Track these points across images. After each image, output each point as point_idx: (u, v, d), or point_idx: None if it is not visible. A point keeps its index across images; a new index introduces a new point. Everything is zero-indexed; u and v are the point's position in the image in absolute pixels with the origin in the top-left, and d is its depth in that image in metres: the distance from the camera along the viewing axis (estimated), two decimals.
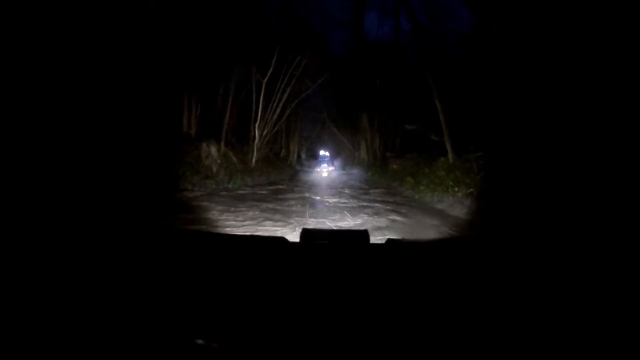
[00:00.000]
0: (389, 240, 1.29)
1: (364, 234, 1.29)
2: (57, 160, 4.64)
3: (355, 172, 22.09)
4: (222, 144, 11.95)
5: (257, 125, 13.88)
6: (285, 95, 15.49)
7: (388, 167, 16.41)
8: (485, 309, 0.76)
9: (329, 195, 10.34)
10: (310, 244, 1.31)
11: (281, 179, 15.65)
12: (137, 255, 1.05)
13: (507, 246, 1.38)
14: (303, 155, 33.20)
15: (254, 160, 13.65)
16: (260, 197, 9.46)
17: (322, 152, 30.50)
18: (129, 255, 1.03)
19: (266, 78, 13.73)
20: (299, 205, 8.20)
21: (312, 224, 6.22)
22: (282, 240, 1.23)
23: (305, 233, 1.35)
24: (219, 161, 11.32)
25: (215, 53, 12.03)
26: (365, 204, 8.87)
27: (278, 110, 15.63)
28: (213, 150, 11.28)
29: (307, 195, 10.31)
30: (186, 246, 1.21)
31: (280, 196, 9.85)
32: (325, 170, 20.90)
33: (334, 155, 32.30)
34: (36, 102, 4.32)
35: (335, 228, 5.59)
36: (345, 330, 0.69)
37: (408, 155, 15.93)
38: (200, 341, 0.61)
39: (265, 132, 15.14)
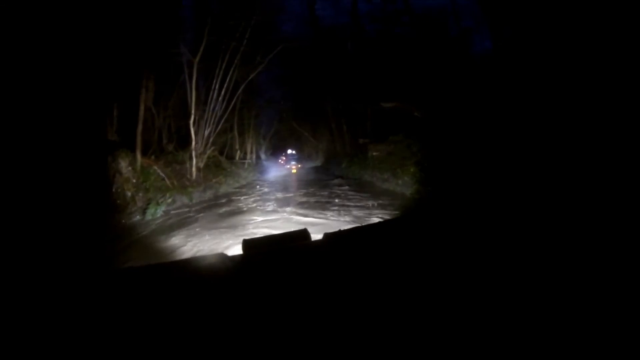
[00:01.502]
0: (325, 234, 1.35)
1: (303, 234, 1.39)
2: None
3: (324, 165, 18.73)
4: (138, 154, 7.73)
5: (191, 121, 9.75)
6: (230, 80, 11.45)
7: (367, 155, 12.98)
8: (421, 286, 0.81)
9: (317, 210, 6.68)
10: (251, 254, 1.30)
11: (237, 189, 11.74)
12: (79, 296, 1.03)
13: (435, 225, 1.45)
14: (263, 156, 29.71)
15: (193, 170, 9.58)
16: (196, 233, 5.55)
17: (289, 151, 28.70)
18: (80, 299, 1.01)
19: (198, 56, 9.66)
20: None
21: None
22: (222, 255, 1.27)
23: (247, 243, 1.43)
24: (134, 180, 7.19)
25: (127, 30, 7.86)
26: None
27: (222, 100, 11.57)
28: (123, 165, 7.12)
29: (281, 212, 6.60)
30: (129, 283, 1.17)
31: (235, 222, 6.04)
32: (294, 167, 20.06)
33: (297, 151, 29.72)
34: None
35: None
36: (291, 330, 0.71)
37: (391, 137, 12.59)
38: None
39: (207, 132, 11.08)
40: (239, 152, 18.04)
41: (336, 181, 11.79)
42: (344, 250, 1.18)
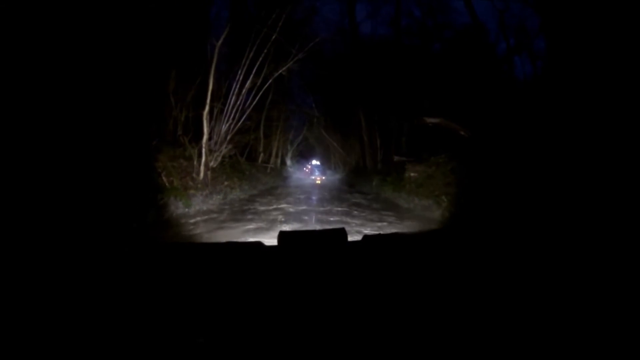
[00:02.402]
0: (365, 236, 1.27)
1: (341, 233, 1.27)
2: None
3: (351, 180, 16.90)
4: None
5: (205, 112, 8.20)
6: (258, 71, 9.92)
7: (403, 175, 11.03)
8: (459, 299, 0.78)
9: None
10: (288, 247, 1.25)
11: (252, 196, 10.08)
12: (124, 267, 1.05)
13: (480, 240, 1.38)
14: (288, 161, 28.39)
15: (201, 169, 7.98)
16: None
17: (314, 162, 28.29)
18: (116, 268, 1.04)
19: (221, 39, 8.16)
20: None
21: None
22: (258, 244, 1.24)
23: (283, 236, 1.29)
24: None
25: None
26: None
27: (247, 94, 10.05)
28: None
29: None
30: (169, 258, 1.19)
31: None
32: (319, 178, 20.14)
33: (323, 161, 28.68)
34: None
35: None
36: (325, 328, 0.70)
37: (433, 158, 10.62)
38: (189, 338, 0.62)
39: (226, 127, 9.53)
40: (262, 154, 16.51)
41: (369, 202, 9.94)
42: (383, 254, 1.15)
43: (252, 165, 13.99)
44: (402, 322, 0.70)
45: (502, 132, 8.07)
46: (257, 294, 0.87)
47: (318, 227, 6.23)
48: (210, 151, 9.10)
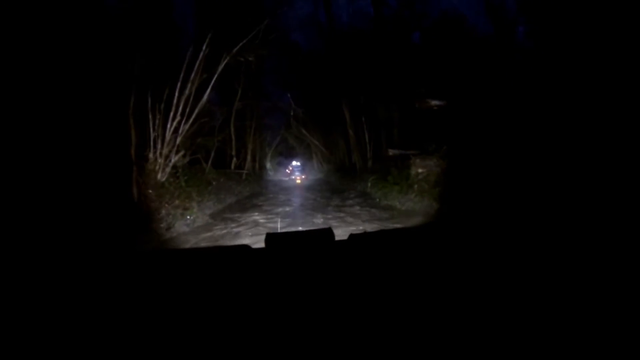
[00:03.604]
0: (351, 235, 1.25)
1: (328, 232, 1.25)
2: None
3: (338, 181, 14.57)
4: None
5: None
6: (213, 56, 7.32)
7: (408, 173, 8.68)
8: (446, 294, 0.76)
9: None
10: (275, 249, 1.23)
11: (218, 213, 7.47)
12: (108, 277, 1.00)
13: (475, 234, 1.32)
14: (268, 164, 25.89)
15: (134, 191, 5.28)
16: None
17: (294, 162, 26.23)
18: (99, 277, 0.99)
19: None
20: None
21: None
22: (245, 247, 1.19)
23: (270, 238, 1.26)
24: None
25: None
26: None
27: (198, 82, 7.42)
28: None
29: None
30: (153, 265, 1.16)
31: None
32: (299, 177, 19.46)
33: (304, 162, 26.26)
34: None
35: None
36: (314, 327, 0.68)
37: (443, 149, 8.32)
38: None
39: (173, 125, 6.88)
40: (234, 159, 13.81)
41: (373, 213, 7.50)
42: (370, 253, 1.13)
43: (221, 173, 11.31)
44: (391, 321, 0.68)
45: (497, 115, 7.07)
46: (245, 297, 0.84)
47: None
48: (154, 161, 6.45)
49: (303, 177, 20.16)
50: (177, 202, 6.43)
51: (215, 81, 8.09)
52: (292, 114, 21.56)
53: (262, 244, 1.25)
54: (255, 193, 12.05)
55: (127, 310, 0.78)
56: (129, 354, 0.63)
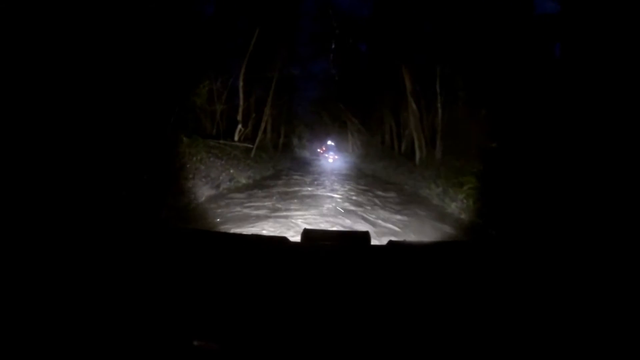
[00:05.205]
0: (390, 242, 1.20)
1: (365, 236, 1.22)
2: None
3: (384, 172, 10.04)
4: None
5: None
6: None
7: None
8: (484, 311, 0.73)
9: None
10: (311, 245, 1.20)
11: None
12: (139, 253, 0.96)
13: (507, 251, 1.29)
14: (296, 141, 23.03)
15: None
16: None
17: (329, 142, 24.00)
18: (130, 254, 0.95)
19: None
20: None
21: None
22: (283, 240, 1.15)
23: (307, 233, 1.24)
24: None
25: None
26: None
27: None
28: None
29: None
30: (188, 245, 1.11)
31: None
32: (332, 157, 19.28)
33: (337, 143, 23.81)
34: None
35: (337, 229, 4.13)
36: (346, 332, 0.65)
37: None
38: (198, 342, 0.57)
39: None
40: (240, 127, 9.45)
41: None
42: (408, 262, 1.04)
43: (209, 146, 7.04)
44: (421, 334, 0.64)
45: None
46: (279, 291, 0.78)
47: None
48: None
49: (336, 157, 19.63)
50: None
51: None
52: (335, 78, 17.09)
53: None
54: (262, 181, 7.68)
55: (155, 289, 0.73)
56: (151, 340, 0.59)
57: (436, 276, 0.93)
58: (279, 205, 5.37)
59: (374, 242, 1.22)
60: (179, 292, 0.73)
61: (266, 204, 5.42)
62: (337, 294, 0.80)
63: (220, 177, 6.21)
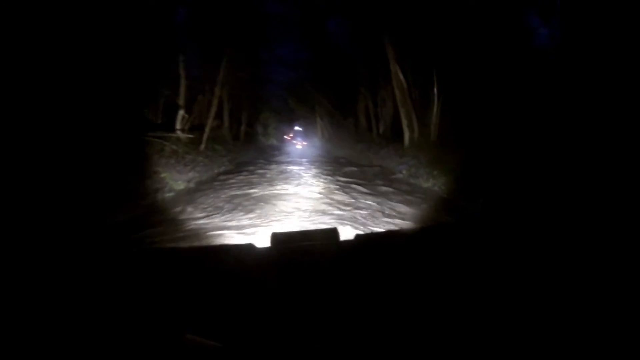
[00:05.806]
0: (357, 235, 1.19)
1: (333, 232, 1.17)
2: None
3: (358, 157, 8.51)
4: None
5: None
6: None
7: None
8: (452, 297, 0.72)
9: None
10: (279, 248, 1.11)
11: None
12: (109, 280, 0.91)
13: (491, 235, 1.23)
14: (260, 129, 20.81)
15: None
16: None
17: (296, 128, 22.60)
18: (103, 279, 0.90)
19: None
20: None
21: None
22: (250, 247, 1.11)
23: (275, 237, 1.15)
24: None
25: None
26: None
27: None
28: None
29: None
30: (156, 266, 1.07)
31: None
32: (300, 143, 18.55)
33: (305, 129, 21.87)
34: None
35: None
36: (320, 328, 0.66)
37: None
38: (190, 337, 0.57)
39: None
40: (182, 112, 7.30)
41: None
42: (376, 253, 1.07)
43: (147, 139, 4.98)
44: (396, 322, 0.64)
45: None
46: (250, 296, 0.78)
47: None
48: None
49: (304, 143, 18.95)
50: None
51: None
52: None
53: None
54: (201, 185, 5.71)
55: (121, 312, 0.71)
56: (122, 355, 0.59)
57: (405, 265, 0.93)
58: (226, 222, 3.50)
59: (342, 237, 1.16)
60: (144, 316, 0.70)
61: (202, 222, 3.52)
62: (311, 293, 0.79)
63: (139, 189, 4.16)
